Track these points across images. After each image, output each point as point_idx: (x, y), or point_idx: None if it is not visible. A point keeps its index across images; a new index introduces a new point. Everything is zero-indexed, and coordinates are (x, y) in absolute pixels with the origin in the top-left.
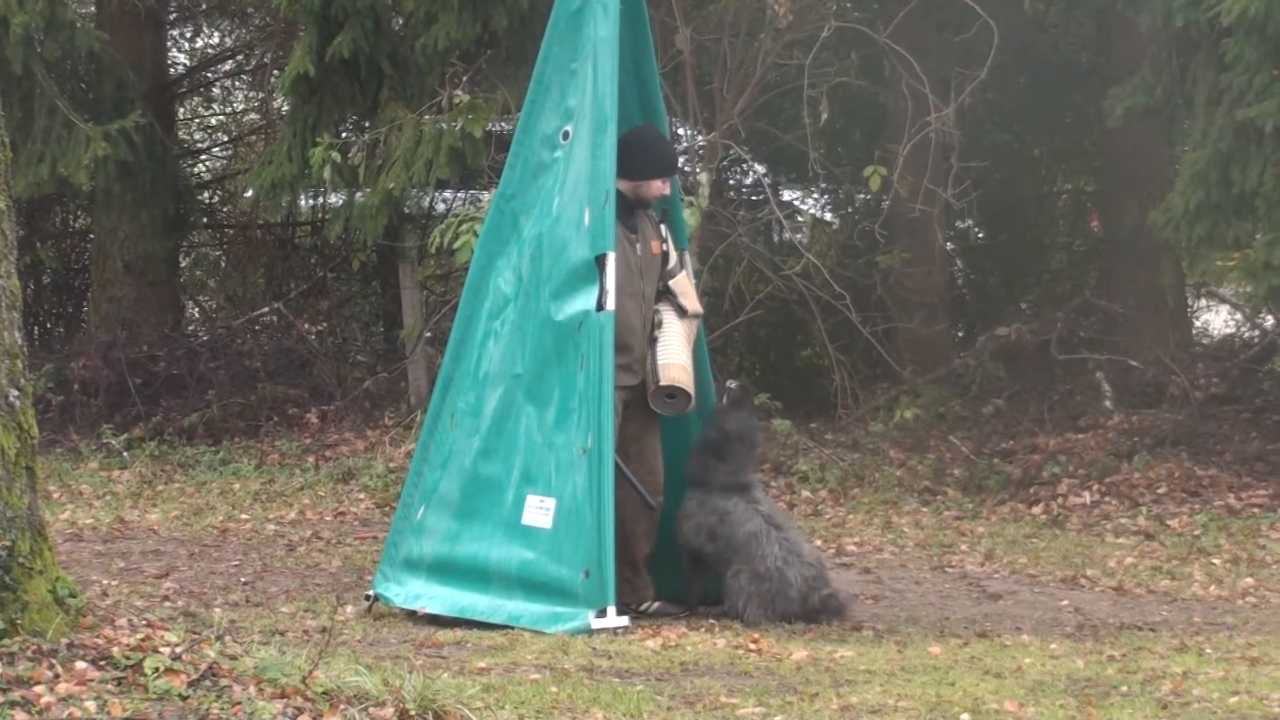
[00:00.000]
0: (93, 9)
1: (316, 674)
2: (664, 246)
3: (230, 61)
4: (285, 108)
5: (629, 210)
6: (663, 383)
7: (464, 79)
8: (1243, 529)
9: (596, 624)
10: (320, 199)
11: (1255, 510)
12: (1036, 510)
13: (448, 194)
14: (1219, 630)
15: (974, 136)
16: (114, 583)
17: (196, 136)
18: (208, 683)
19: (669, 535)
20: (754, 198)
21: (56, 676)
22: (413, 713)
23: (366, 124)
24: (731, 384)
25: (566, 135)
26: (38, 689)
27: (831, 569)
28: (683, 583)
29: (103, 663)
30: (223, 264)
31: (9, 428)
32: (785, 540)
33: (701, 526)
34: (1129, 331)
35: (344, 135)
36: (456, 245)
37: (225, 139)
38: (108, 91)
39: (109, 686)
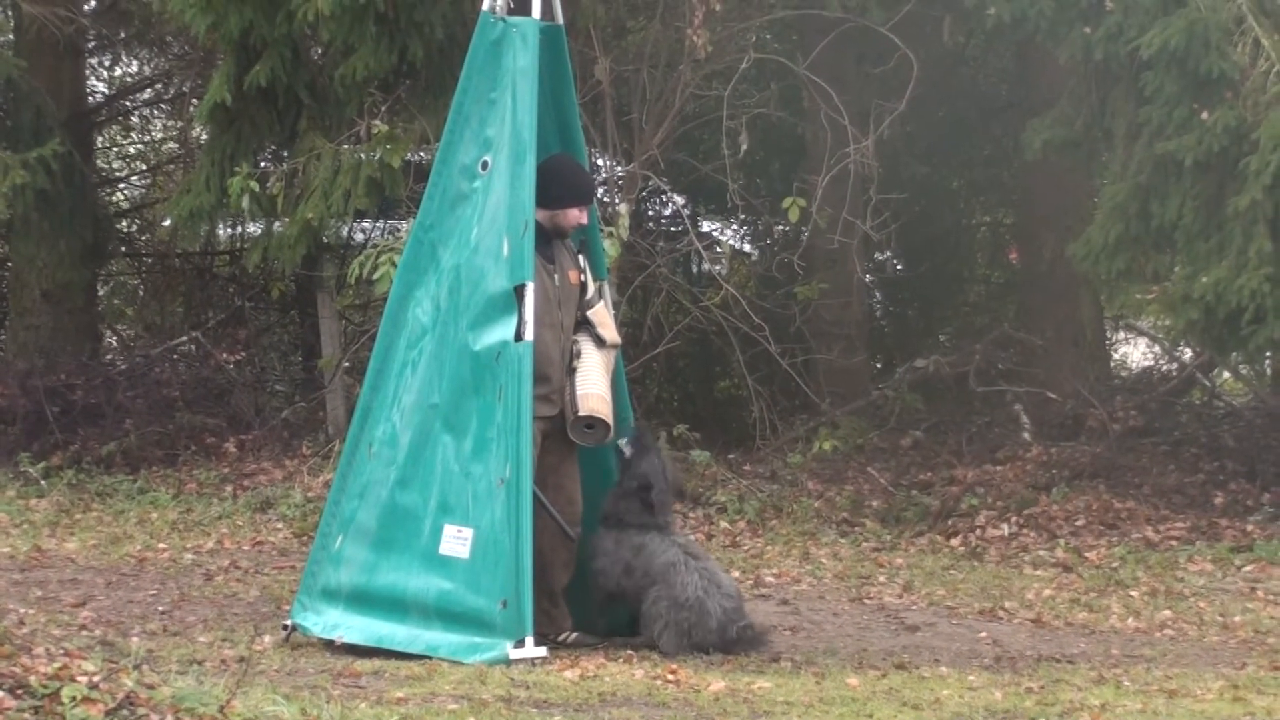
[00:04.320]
0: (10, 37)
1: (234, 703)
2: (582, 277)
3: (149, 90)
4: (203, 136)
5: (546, 240)
6: (581, 413)
7: (382, 109)
8: (1160, 561)
9: (514, 654)
10: (239, 228)
11: (1173, 543)
12: (955, 542)
13: (366, 224)
14: (1137, 662)
15: (893, 168)
16: (31, 611)
17: (115, 165)
18: (125, 712)
19: (587, 565)
20: (673, 228)
21: None
22: None
23: (285, 153)
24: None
25: (485, 165)
26: None
27: (749, 600)
28: (592, 612)
29: (20, 691)
30: (141, 293)
31: None
32: (704, 570)
33: (618, 561)
34: (1047, 364)
35: (262, 164)
36: (376, 276)
37: (144, 168)
38: (26, 119)
39: (26, 715)
